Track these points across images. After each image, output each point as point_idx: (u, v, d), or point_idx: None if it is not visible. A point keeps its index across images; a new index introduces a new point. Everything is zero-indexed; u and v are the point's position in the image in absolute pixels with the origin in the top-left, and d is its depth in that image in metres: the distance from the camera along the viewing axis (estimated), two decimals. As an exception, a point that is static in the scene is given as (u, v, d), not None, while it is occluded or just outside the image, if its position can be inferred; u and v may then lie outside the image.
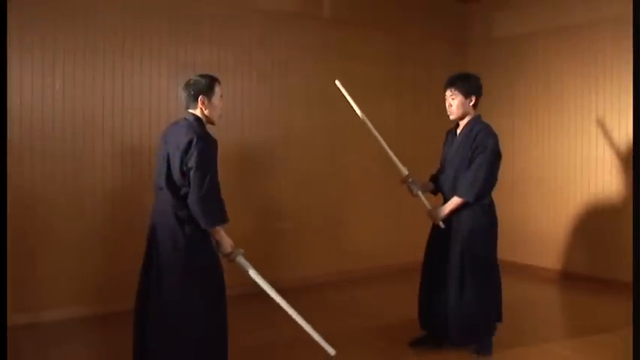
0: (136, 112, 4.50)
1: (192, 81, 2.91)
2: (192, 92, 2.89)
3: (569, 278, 5.47)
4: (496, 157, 3.22)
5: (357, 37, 5.42)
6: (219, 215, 2.80)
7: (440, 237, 3.34)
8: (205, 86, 2.89)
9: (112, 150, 4.42)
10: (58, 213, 4.25)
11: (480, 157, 3.15)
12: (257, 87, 5.02)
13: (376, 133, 3.33)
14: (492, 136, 3.21)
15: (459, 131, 3.35)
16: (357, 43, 5.41)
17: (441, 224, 3.20)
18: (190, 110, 2.92)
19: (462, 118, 3.29)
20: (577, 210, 5.44)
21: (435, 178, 3.45)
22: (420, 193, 3.31)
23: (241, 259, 2.90)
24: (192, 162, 2.71)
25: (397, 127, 5.60)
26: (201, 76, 2.94)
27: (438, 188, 3.39)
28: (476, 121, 3.28)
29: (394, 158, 3.35)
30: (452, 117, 3.31)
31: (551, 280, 5.55)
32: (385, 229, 5.79)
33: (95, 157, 4.38)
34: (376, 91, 5.39)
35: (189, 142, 2.71)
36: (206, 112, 2.91)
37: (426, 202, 3.30)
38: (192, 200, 2.74)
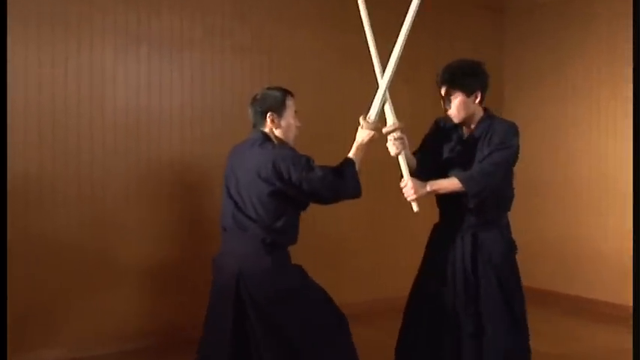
0: (72, 99, 3.94)
1: (259, 96, 2.80)
2: (259, 109, 2.78)
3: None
4: (515, 159, 2.88)
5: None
6: (352, 184, 2.74)
7: (451, 268, 2.90)
8: (275, 101, 2.78)
9: (38, 140, 3.87)
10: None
11: (499, 153, 2.80)
12: (231, 66, 4.53)
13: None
14: (517, 136, 2.88)
15: (466, 132, 2.97)
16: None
17: (414, 206, 2.81)
18: (259, 129, 2.80)
19: (465, 120, 2.92)
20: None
21: (422, 162, 3.04)
22: (403, 154, 2.85)
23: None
24: (292, 176, 2.62)
25: (411, 112, 4.87)
26: (270, 89, 2.83)
27: (420, 176, 2.94)
28: (492, 119, 2.92)
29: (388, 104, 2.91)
30: (454, 120, 2.92)
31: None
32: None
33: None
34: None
35: (273, 163, 2.62)
36: (277, 131, 2.78)
37: (405, 168, 2.84)
38: (323, 200, 2.70)
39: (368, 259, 5.12)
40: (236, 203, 2.70)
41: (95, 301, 3.97)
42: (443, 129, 3.06)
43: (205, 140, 4.32)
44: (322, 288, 2.81)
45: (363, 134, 2.84)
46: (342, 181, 2.70)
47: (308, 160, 2.66)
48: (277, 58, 4.69)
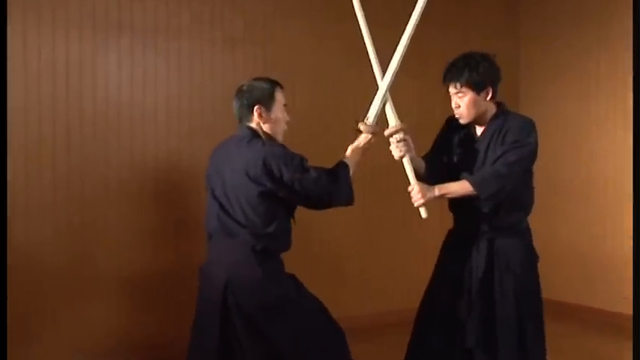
0: (45, 96, 3.76)
1: (245, 87, 2.73)
2: (245, 102, 2.70)
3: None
4: (533, 158, 2.85)
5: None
6: (345, 190, 2.70)
7: (466, 276, 2.88)
8: (263, 93, 2.71)
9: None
10: None
11: (513, 152, 2.77)
12: (222, 58, 4.37)
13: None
14: (534, 133, 2.84)
15: (479, 131, 2.93)
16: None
17: (423, 212, 2.82)
18: (245, 124, 2.73)
19: (477, 119, 2.88)
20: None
21: (430, 166, 3.05)
22: (408, 157, 2.85)
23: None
24: (284, 176, 2.55)
25: (419, 110, 5.06)
26: (258, 80, 2.76)
27: (430, 180, 2.94)
28: (506, 115, 2.88)
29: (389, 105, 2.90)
30: (463, 120, 2.88)
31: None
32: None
33: None
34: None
35: (263, 162, 2.54)
36: (265, 126, 2.71)
37: (411, 172, 2.85)
38: (318, 205, 2.68)
39: (371, 269, 4.98)
40: (222, 206, 2.63)
41: (70, 312, 3.79)
42: (454, 129, 3.02)
43: (194, 137, 4.16)
44: (317, 299, 2.75)
45: (360, 138, 2.83)
46: (335, 185, 2.65)
47: (301, 160, 2.61)
48: (272, 50, 4.55)
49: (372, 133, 2.81)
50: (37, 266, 3.72)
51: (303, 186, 2.56)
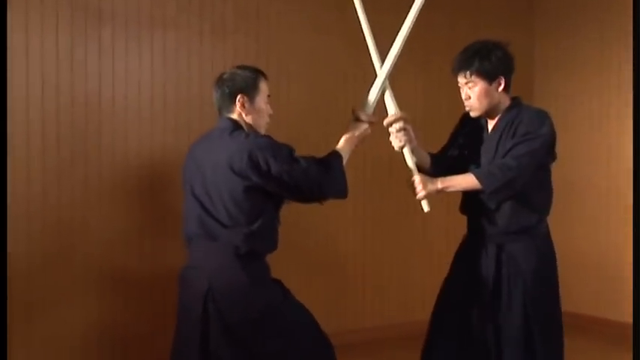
0: (18, 90, 3.64)
1: (226, 75, 2.66)
2: (227, 90, 2.63)
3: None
4: (547, 151, 2.79)
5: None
6: (337, 181, 2.65)
7: (475, 284, 2.85)
8: (246, 82, 2.64)
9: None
10: None
11: (524, 144, 2.74)
12: (211, 49, 4.28)
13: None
14: (548, 125, 2.79)
15: (490, 126, 2.91)
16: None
17: (425, 206, 2.81)
18: (225, 115, 2.67)
19: (489, 112, 2.87)
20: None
21: (436, 160, 3.07)
22: (408, 148, 2.85)
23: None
24: (272, 169, 2.49)
25: (424, 106, 5.04)
26: (241, 68, 2.70)
27: (437, 173, 2.95)
28: (519, 108, 2.85)
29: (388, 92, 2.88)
30: (473, 113, 2.86)
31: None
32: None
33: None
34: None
35: (248, 154, 2.48)
36: (247, 117, 2.64)
37: (412, 162, 2.85)
38: (308, 198, 2.62)
39: (372, 277, 4.90)
40: (203, 205, 2.55)
41: (47, 313, 3.70)
42: (467, 124, 3.01)
43: (180, 133, 4.05)
44: (306, 308, 2.67)
45: (354, 127, 2.79)
46: (327, 176, 2.59)
47: (289, 150, 2.55)
48: (266, 40, 4.45)
49: (368, 122, 2.77)
50: (14, 264, 3.61)
51: (292, 177, 2.50)
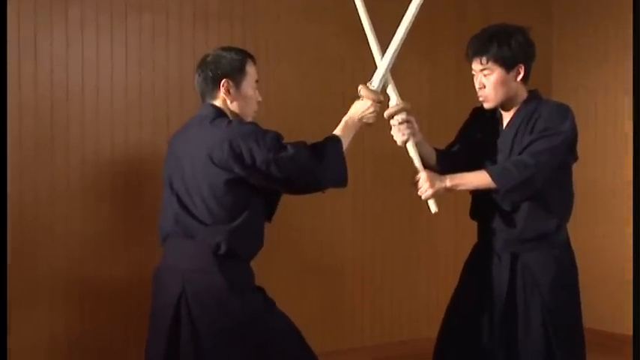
0: None
1: (210, 57, 2.61)
2: (210, 74, 2.58)
3: None
4: (568, 149, 2.76)
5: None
6: (333, 168, 2.55)
7: (488, 296, 2.81)
8: (231, 65, 2.58)
9: None
10: None
11: (543, 140, 2.70)
12: (192, 36, 4.12)
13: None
14: (570, 120, 2.76)
15: (506, 120, 2.88)
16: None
17: (432, 206, 2.78)
18: (208, 102, 2.63)
19: (504, 104, 2.83)
20: None
21: (443, 157, 3.03)
22: (412, 141, 2.82)
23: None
24: (257, 159, 2.40)
25: (430, 99, 4.93)
26: (225, 49, 2.66)
27: (444, 171, 2.93)
28: (537, 102, 2.83)
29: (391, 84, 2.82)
30: (488, 104, 2.81)
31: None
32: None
33: None
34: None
35: (230, 143, 2.41)
36: (232, 105, 2.58)
37: (417, 158, 2.83)
38: (297, 189, 2.55)
39: (372, 288, 4.80)
40: (180, 201, 2.50)
41: (9, 325, 3.50)
42: (479, 117, 2.98)
43: (158, 127, 3.97)
44: (289, 320, 2.61)
45: (357, 105, 2.67)
46: (321, 163, 2.50)
47: (276, 137, 2.47)
48: (253, 26, 4.29)
49: (373, 100, 2.63)
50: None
51: (280, 167, 2.41)
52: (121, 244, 3.90)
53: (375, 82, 2.79)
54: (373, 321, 4.77)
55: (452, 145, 3.05)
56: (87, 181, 3.80)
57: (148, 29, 3.94)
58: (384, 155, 4.53)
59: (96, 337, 3.81)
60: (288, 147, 2.46)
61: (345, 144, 2.56)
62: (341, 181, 2.58)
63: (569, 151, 2.77)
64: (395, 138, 2.82)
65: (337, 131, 2.64)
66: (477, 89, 2.80)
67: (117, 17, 3.83)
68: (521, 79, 2.77)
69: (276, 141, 2.45)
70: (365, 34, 2.81)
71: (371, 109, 2.67)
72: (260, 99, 2.64)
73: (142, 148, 3.97)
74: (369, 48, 2.80)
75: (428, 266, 4.90)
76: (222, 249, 2.45)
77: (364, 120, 2.68)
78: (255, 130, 2.45)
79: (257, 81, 2.64)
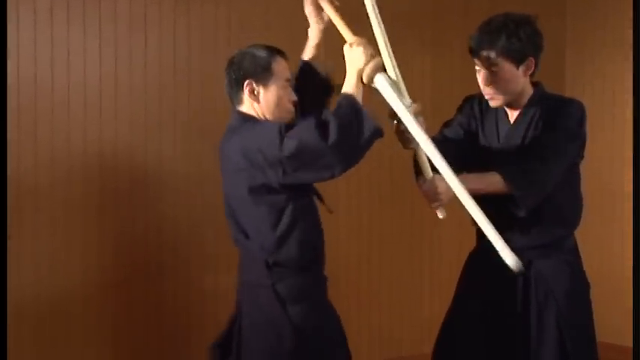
0: None
1: (235, 57, 2.52)
2: (233, 76, 2.49)
3: None
4: (580, 148, 2.74)
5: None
6: (363, 125, 2.33)
7: (497, 307, 2.79)
8: (255, 64, 2.47)
9: None
10: None
11: (557, 140, 2.67)
12: (173, 23, 4.05)
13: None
14: (577, 116, 2.71)
15: (512, 117, 2.83)
16: None
17: (440, 213, 2.71)
18: (235, 108, 2.56)
19: (512, 102, 2.77)
20: None
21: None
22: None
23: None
24: (272, 165, 2.34)
25: (432, 91, 4.88)
26: (253, 47, 2.57)
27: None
28: (547, 97, 2.79)
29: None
30: (495, 103, 2.75)
31: None
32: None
33: None
34: (397, 33, 4.21)
35: (243, 154, 2.39)
36: (259, 108, 2.47)
37: (425, 162, 2.74)
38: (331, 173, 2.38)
39: (370, 302, 4.74)
40: (228, 210, 2.56)
41: None
42: (477, 112, 2.92)
43: (135, 126, 3.90)
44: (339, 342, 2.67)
45: (351, 53, 2.43)
46: (341, 129, 2.28)
47: (278, 129, 2.38)
48: (239, 10, 4.17)
49: (362, 45, 2.35)
50: None
51: (292, 164, 2.32)
52: (93, 261, 3.78)
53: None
54: (370, 336, 4.72)
55: (443, 137, 2.95)
56: (56, 187, 3.72)
57: (123, 16, 3.85)
58: (382, 157, 4.45)
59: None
60: (288, 140, 2.34)
61: (359, 96, 2.37)
62: (376, 133, 2.38)
63: (580, 152, 2.76)
64: (399, 140, 2.71)
65: (347, 89, 2.45)
66: (482, 86, 2.71)
67: (90, 4, 3.73)
68: (530, 74, 2.72)
69: (277, 133, 2.37)
70: (367, 19, 2.65)
71: (368, 52, 2.39)
72: (295, 98, 2.55)
73: (117, 149, 3.92)
74: (366, 35, 2.60)
75: (431, 276, 4.83)
76: (271, 260, 2.44)
77: (366, 71, 2.42)
78: (264, 130, 2.40)
79: (288, 80, 2.53)
